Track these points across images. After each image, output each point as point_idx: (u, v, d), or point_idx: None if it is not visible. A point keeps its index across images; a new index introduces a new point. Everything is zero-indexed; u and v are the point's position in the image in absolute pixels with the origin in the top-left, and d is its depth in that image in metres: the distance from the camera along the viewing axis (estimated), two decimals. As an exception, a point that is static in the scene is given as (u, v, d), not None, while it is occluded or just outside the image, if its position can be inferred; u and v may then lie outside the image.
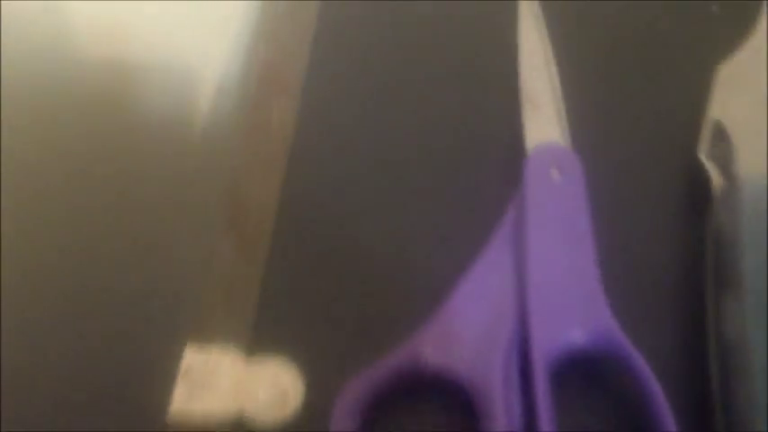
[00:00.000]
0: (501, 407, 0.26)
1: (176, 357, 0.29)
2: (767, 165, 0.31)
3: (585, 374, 0.28)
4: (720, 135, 0.32)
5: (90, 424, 0.27)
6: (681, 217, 0.31)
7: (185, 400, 0.28)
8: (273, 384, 0.28)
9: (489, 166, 0.32)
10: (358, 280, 0.30)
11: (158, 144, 0.34)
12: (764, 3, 0.35)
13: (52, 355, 0.29)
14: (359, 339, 0.29)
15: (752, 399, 0.26)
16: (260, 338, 0.29)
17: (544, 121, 0.32)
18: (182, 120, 0.34)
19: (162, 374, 0.28)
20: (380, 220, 0.32)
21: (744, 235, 0.29)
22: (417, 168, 0.33)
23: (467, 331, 0.28)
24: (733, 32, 0.35)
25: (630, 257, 0.31)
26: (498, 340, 0.28)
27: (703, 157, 0.32)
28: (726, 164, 0.32)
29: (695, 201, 0.31)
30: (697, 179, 0.32)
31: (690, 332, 0.28)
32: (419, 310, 0.28)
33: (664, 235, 0.31)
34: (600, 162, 0.32)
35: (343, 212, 0.32)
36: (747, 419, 0.26)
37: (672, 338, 0.29)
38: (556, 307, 0.28)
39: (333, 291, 0.30)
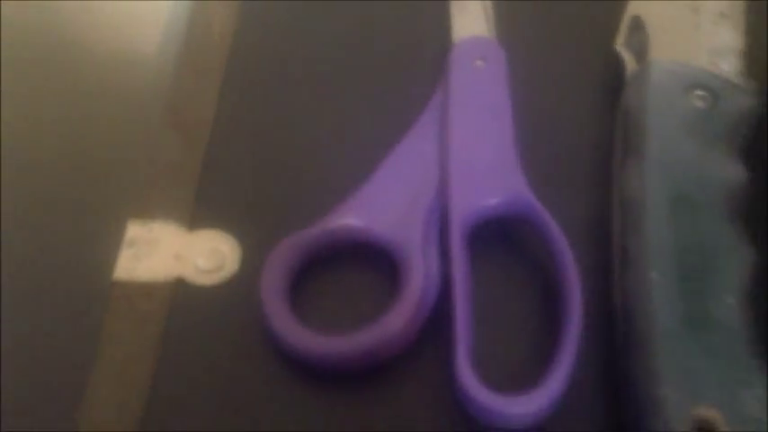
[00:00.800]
0: (419, 262, 0.28)
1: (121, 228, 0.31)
2: (674, 51, 0.33)
3: (502, 235, 0.30)
4: (637, 27, 0.34)
5: (42, 283, 0.29)
6: (598, 99, 0.33)
7: (130, 265, 0.30)
8: (211, 252, 0.30)
9: (421, 60, 0.34)
10: (291, 159, 0.32)
11: (112, 55, 0.36)
12: None
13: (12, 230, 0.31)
14: (291, 212, 0.31)
15: (645, 246, 0.28)
16: (200, 213, 0.31)
17: (471, 19, 0.35)
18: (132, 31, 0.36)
19: (112, 245, 0.30)
20: (316, 107, 0.34)
21: (648, 107, 0.31)
22: (355, 62, 0.35)
23: (390, 198, 0.30)
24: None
25: (552, 134, 0.33)
26: (420, 205, 0.30)
27: (620, 47, 0.34)
28: (640, 52, 0.34)
29: (612, 85, 0.33)
30: (614, 66, 0.33)
31: (600, 196, 0.30)
32: (350, 185, 0.30)
33: (582, 114, 0.33)
34: (527, 53, 0.34)
35: (279, 99, 0.34)
36: (641, 265, 0.28)
37: (584, 203, 0.31)
38: (474, 175, 0.30)
39: (267, 169, 0.32)
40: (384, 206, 0.30)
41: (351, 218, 0.30)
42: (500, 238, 0.30)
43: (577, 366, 0.27)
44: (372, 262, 0.30)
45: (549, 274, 0.29)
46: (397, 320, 0.27)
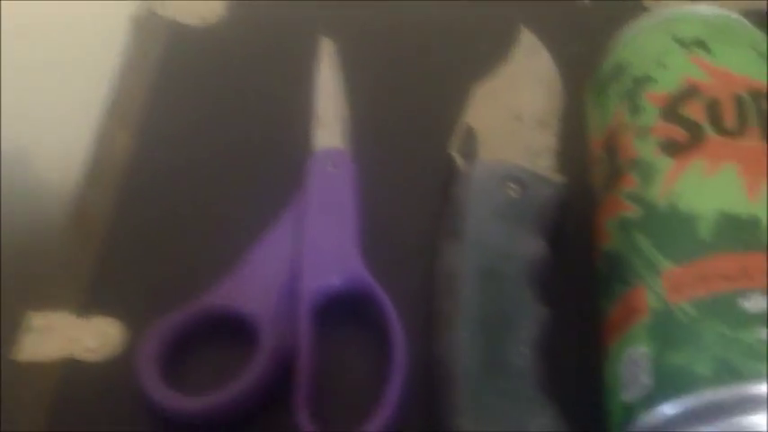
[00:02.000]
0: (271, 333, 0.34)
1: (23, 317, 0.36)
2: (498, 152, 0.40)
3: (344, 311, 0.36)
4: (469, 135, 0.41)
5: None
6: (433, 195, 0.39)
7: (27, 349, 0.35)
8: (100, 334, 0.36)
9: (288, 166, 0.40)
10: (175, 253, 0.38)
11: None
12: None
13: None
14: (174, 296, 0.36)
15: (457, 310, 0.34)
16: (92, 301, 0.37)
17: (329, 133, 0.41)
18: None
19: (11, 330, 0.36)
20: (200, 208, 0.40)
21: (469, 198, 0.37)
22: (234, 168, 0.41)
23: (254, 281, 0.36)
24: (487, 58, 0.44)
25: (393, 225, 0.39)
26: (277, 286, 0.36)
27: (454, 151, 0.40)
28: (470, 155, 0.40)
29: (446, 184, 0.39)
30: (449, 168, 0.40)
31: (424, 273, 0.36)
32: (225, 270, 0.36)
33: (419, 208, 0.39)
34: (376, 161, 0.40)
35: (169, 202, 0.40)
36: (453, 325, 0.33)
37: (416, 278, 0.36)
38: (321, 260, 0.36)
39: (152, 261, 0.38)
40: (248, 287, 0.36)
41: (218, 298, 0.35)
42: (345, 310, 0.36)
43: (401, 410, 0.32)
44: (236, 334, 0.35)
45: (382, 339, 0.34)
46: (248, 381, 0.33)
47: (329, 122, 0.41)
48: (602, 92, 0.37)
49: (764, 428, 0.26)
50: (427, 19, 0.48)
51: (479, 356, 0.32)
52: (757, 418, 0.26)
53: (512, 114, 0.42)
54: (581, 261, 0.35)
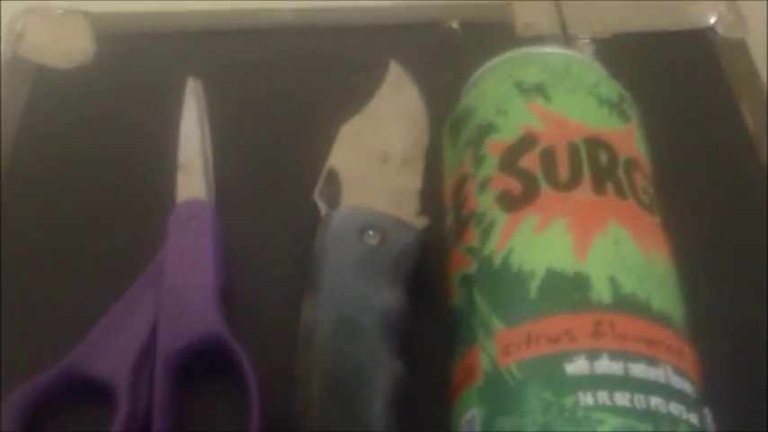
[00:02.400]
0: (125, 395, 0.34)
1: None
2: (361, 196, 0.40)
3: (202, 367, 0.36)
4: (332, 179, 0.41)
5: None
6: (298, 245, 0.40)
7: None
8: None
9: (152, 220, 0.40)
10: (33, 319, 0.38)
11: None
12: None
13: None
14: (32, 366, 0.36)
15: (310, 366, 0.34)
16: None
17: (191, 183, 0.41)
18: None
19: None
20: (61, 269, 0.40)
21: (326, 248, 0.37)
22: (96, 226, 0.41)
23: (111, 342, 0.36)
24: (357, 92, 0.44)
25: (258, 277, 0.39)
26: (134, 348, 0.36)
27: (317, 197, 0.41)
28: (333, 201, 0.40)
29: (310, 232, 0.40)
30: (314, 214, 0.40)
31: (289, 327, 0.36)
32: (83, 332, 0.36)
33: (286, 260, 0.40)
34: (241, 209, 0.41)
35: (26, 264, 0.40)
36: (307, 383, 0.34)
37: (280, 336, 0.37)
38: (176, 317, 0.36)
39: (8, 331, 0.38)
40: (104, 350, 0.36)
41: (75, 363, 0.35)
42: (203, 367, 0.36)
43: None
44: (95, 397, 0.35)
45: (240, 395, 0.35)
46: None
47: (192, 171, 0.41)
48: (454, 137, 0.37)
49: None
50: (301, 52, 0.48)
51: (332, 414, 0.33)
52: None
53: (377, 155, 0.42)
54: (439, 308, 0.35)
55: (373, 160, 0.42)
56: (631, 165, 0.34)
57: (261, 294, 0.39)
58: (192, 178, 0.41)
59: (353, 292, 0.36)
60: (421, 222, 0.39)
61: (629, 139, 0.35)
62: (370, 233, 0.38)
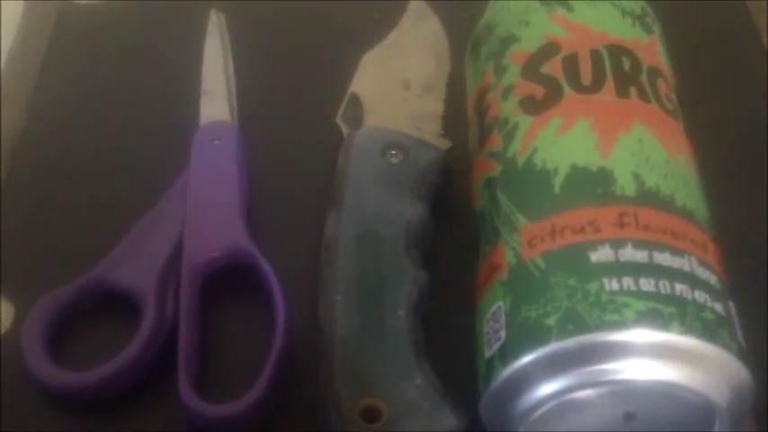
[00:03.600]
0: (152, 306, 0.34)
1: None
2: (383, 119, 0.40)
3: (228, 282, 0.36)
4: (354, 103, 0.41)
5: None
6: (320, 165, 0.40)
7: None
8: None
9: (175, 142, 0.41)
10: (62, 228, 0.39)
11: None
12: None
13: None
14: (62, 272, 0.37)
15: (334, 274, 0.34)
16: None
17: (215, 107, 0.41)
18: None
19: None
20: (88, 184, 0.40)
21: (349, 166, 0.37)
22: (122, 144, 0.42)
23: (138, 255, 0.36)
24: (380, 26, 0.44)
25: (282, 195, 0.40)
26: (160, 260, 0.36)
27: (339, 120, 0.41)
28: (355, 124, 0.41)
29: (333, 153, 0.40)
30: (337, 137, 0.40)
31: (312, 243, 0.36)
32: (110, 245, 0.37)
33: (308, 180, 0.40)
34: (265, 132, 0.41)
35: (56, 186, 0.40)
36: (330, 290, 0.34)
37: (304, 251, 0.37)
38: (202, 233, 0.36)
39: (40, 241, 0.38)
40: (131, 261, 0.36)
41: (101, 273, 0.36)
42: (229, 281, 0.36)
43: (282, 377, 0.33)
44: (120, 307, 0.35)
45: (266, 308, 0.35)
46: (131, 354, 0.33)
47: (216, 96, 0.42)
48: (475, 53, 0.37)
49: (613, 377, 0.27)
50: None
51: (356, 320, 0.33)
52: (605, 367, 0.27)
53: (399, 81, 0.43)
54: (462, 225, 0.35)
55: (395, 86, 0.42)
56: (655, 72, 0.34)
57: (284, 213, 0.39)
58: (216, 102, 0.41)
59: (376, 206, 0.37)
60: (443, 144, 0.39)
61: (651, 49, 0.35)
62: (393, 152, 0.38)
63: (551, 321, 0.27)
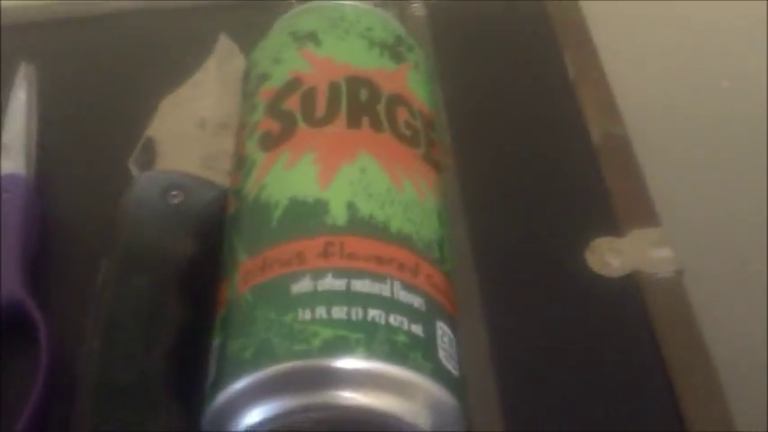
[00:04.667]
0: None
1: None
2: (174, 162, 0.41)
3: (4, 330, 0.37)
4: (148, 147, 0.42)
5: None
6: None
7: None
8: None
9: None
10: None
11: None
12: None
13: None
14: None
15: (94, 321, 0.35)
16: None
17: (10, 159, 0.42)
18: None
19: None
20: None
21: (128, 210, 0.38)
22: None
23: None
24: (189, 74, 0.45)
25: (71, 244, 0.40)
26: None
27: (132, 164, 0.42)
28: (146, 167, 0.41)
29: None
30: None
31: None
32: None
33: (96, 226, 0.40)
34: (63, 182, 0.42)
35: None
36: (92, 336, 0.34)
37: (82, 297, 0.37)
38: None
39: None
40: None
41: None
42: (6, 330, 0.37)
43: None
44: None
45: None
46: None
47: (12, 149, 0.42)
48: (243, 92, 0.38)
49: (309, 403, 0.27)
50: (132, 33, 0.49)
51: (106, 365, 0.33)
52: (298, 397, 0.27)
53: (194, 122, 0.43)
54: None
55: (191, 127, 0.43)
56: (396, 101, 0.34)
57: (74, 261, 0.40)
58: (12, 155, 0.42)
59: (149, 249, 0.37)
60: (226, 181, 0.40)
61: (399, 77, 0.35)
62: (174, 192, 0.39)
63: (248, 355, 0.28)
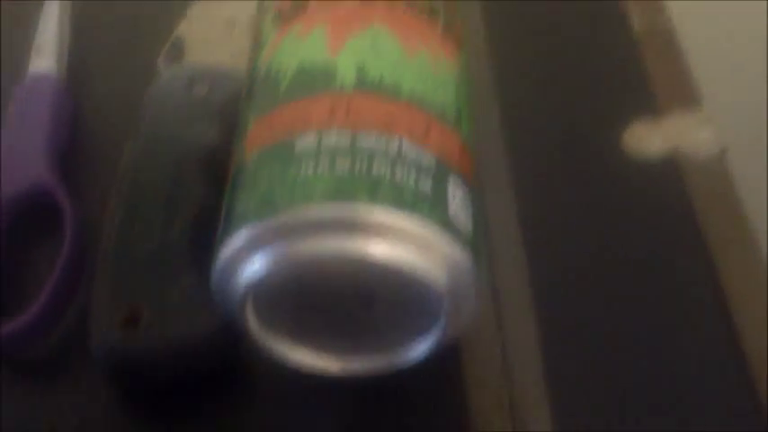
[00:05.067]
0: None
1: None
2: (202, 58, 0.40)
3: (36, 211, 0.37)
4: (177, 45, 0.42)
5: None
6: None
7: None
8: None
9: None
10: None
11: None
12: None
13: None
14: None
15: (119, 200, 0.34)
16: None
17: (42, 59, 0.42)
18: None
19: None
20: None
21: (153, 100, 0.38)
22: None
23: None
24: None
25: (102, 140, 0.40)
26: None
27: (161, 62, 0.41)
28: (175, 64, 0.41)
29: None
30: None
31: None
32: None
33: (125, 120, 0.40)
34: (93, 80, 0.42)
35: None
36: (116, 215, 0.34)
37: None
38: (9, 169, 0.37)
39: None
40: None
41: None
42: (36, 212, 0.37)
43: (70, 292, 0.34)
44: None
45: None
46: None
47: (45, 49, 0.42)
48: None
49: (304, 251, 0.26)
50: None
51: (128, 235, 0.34)
52: (299, 244, 0.27)
53: (223, 22, 0.43)
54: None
55: (221, 27, 0.43)
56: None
57: (102, 153, 0.40)
58: (44, 55, 0.42)
59: (173, 134, 0.37)
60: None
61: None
62: (199, 85, 0.38)
63: (250, 207, 0.27)
